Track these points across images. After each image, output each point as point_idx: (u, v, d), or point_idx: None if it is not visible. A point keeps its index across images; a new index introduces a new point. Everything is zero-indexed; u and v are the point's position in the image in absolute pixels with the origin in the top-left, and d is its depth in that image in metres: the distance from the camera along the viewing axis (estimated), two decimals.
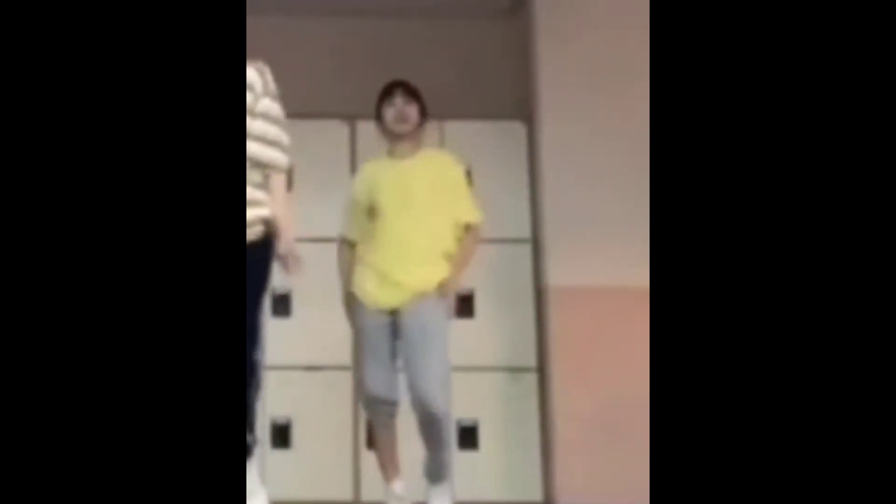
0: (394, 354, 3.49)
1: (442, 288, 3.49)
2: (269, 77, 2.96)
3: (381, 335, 3.48)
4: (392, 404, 3.47)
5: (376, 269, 3.50)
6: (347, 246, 3.69)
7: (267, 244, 2.90)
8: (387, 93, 3.68)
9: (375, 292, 3.49)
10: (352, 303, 3.60)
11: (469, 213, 3.62)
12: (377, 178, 3.63)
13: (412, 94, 3.68)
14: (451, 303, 3.57)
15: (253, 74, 2.91)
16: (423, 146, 3.72)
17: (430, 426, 3.40)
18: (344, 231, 3.73)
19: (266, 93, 2.92)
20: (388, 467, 3.55)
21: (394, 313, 3.47)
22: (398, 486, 3.54)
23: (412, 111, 3.64)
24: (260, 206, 2.88)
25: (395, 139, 3.65)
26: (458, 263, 3.55)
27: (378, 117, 3.69)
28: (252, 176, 2.86)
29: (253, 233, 2.82)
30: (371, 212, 3.59)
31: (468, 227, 3.60)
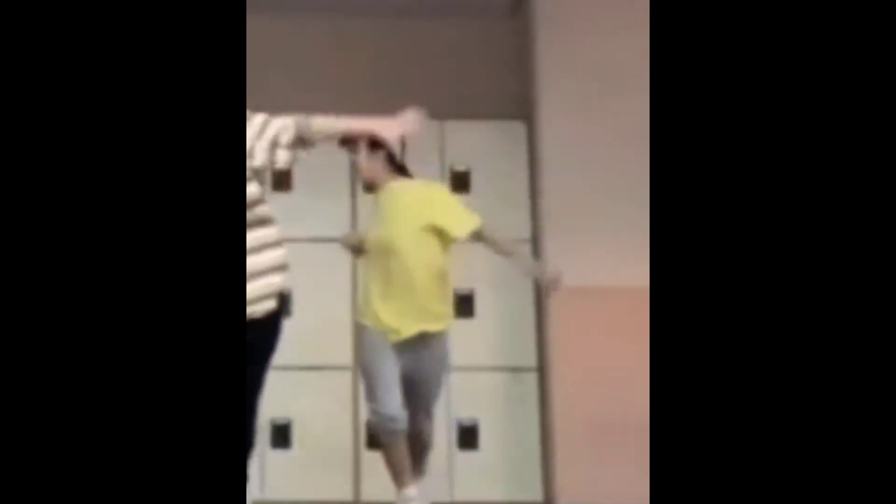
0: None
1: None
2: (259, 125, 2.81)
3: (392, 357, 3.52)
4: (405, 421, 3.52)
5: (395, 305, 3.51)
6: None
7: (276, 320, 2.81)
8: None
9: (397, 324, 3.51)
10: (362, 331, 3.66)
11: (467, 224, 3.59)
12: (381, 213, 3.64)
13: (350, 146, 3.62)
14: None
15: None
16: (394, 177, 3.64)
17: (422, 447, 3.64)
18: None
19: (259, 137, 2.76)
20: (405, 474, 3.53)
21: (406, 341, 3.51)
22: (413, 490, 3.53)
23: (362, 163, 3.62)
24: (273, 274, 2.76)
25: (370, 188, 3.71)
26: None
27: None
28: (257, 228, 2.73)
29: (263, 308, 2.72)
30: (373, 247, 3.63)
31: (478, 235, 3.60)
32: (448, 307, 3.63)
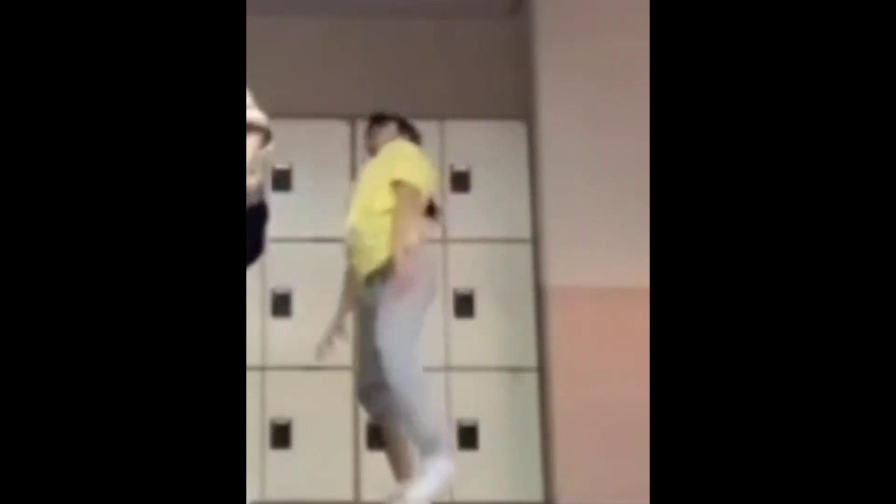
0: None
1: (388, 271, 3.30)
2: None
3: (367, 328, 3.47)
4: (369, 401, 3.53)
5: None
6: None
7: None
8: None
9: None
10: None
11: (397, 171, 3.39)
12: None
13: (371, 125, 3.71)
14: (400, 281, 3.24)
15: None
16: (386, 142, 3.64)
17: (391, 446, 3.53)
18: None
19: None
20: (398, 466, 3.48)
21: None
22: (409, 486, 3.49)
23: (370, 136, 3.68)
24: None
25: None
26: (391, 237, 3.30)
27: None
28: None
29: None
30: None
31: (397, 185, 3.36)
32: (377, 240, 3.33)
